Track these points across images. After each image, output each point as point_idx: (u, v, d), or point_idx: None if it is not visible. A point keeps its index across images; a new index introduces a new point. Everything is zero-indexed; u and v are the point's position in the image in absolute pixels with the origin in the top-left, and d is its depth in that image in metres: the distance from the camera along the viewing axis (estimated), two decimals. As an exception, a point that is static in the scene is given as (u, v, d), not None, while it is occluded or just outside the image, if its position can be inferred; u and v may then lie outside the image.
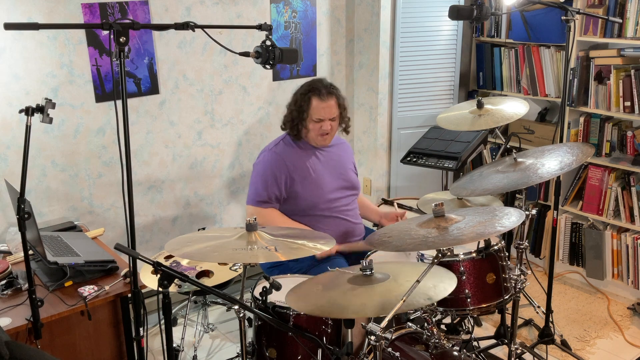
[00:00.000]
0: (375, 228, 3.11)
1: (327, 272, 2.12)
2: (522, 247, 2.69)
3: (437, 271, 2.00)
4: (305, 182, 2.74)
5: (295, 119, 2.74)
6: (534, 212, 2.61)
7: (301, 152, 2.77)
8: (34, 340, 2.09)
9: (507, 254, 2.48)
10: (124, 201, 1.94)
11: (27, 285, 2.05)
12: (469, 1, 3.92)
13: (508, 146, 3.27)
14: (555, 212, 3.02)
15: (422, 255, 2.43)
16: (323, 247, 2.03)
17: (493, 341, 3.01)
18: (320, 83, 2.75)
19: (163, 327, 1.86)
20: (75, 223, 2.93)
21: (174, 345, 1.99)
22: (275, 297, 2.15)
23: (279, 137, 2.86)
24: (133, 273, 1.95)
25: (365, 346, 2.23)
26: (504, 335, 2.97)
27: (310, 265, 2.70)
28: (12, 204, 2.63)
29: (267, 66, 2.15)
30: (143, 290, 2.04)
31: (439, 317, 2.86)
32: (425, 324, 2.25)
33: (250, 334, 2.24)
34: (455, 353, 2.16)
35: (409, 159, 3.59)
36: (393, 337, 2.17)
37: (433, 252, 1.91)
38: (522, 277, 2.47)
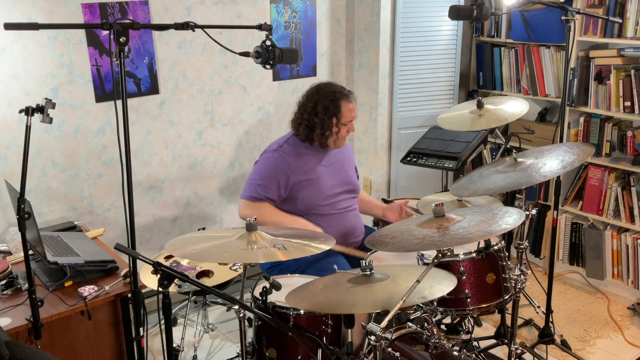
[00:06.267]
0: (375, 228, 3.11)
1: (327, 276, 2.13)
2: (522, 247, 2.69)
3: (435, 273, 2.00)
4: (306, 184, 2.72)
5: (323, 127, 2.70)
6: (534, 212, 2.61)
7: (305, 154, 2.75)
8: (34, 340, 2.09)
9: (507, 254, 2.48)
10: (124, 201, 1.94)
11: (27, 285, 2.04)
12: (469, 1, 3.92)
13: (508, 146, 3.26)
14: (555, 212, 3.02)
15: (422, 255, 2.43)
16: (322, 246, 2.03)
17: (493, 341, 3.01)
18: (337, 86, 2.74)
19: (163, 327, 1.86)
20: (75, 223, 2.93)
21: (174, 345, 1.99)
22: (275, 297, 2.15)
23: (282, 137, 2.83)
24: (133, 273, 1.95)
25: (365, 346, 2.23)
26: (504, 335, 2.97)
27: (309, 263, 2.70)
28: (12, 204, 2.63)
29: (267, 66, 2.15)
30: (143, 290, 2.04)
31: (439, 317, 2.86)
32: (425, 324, 2.25)
33: (250, 334, 2.24)
34: (455, 353, 2.16)
35: (409, 159, 3.59)
36: (393, 337, 2.17)
37: (433, 252, 1.91)
38: (522, 277, 2.47)
